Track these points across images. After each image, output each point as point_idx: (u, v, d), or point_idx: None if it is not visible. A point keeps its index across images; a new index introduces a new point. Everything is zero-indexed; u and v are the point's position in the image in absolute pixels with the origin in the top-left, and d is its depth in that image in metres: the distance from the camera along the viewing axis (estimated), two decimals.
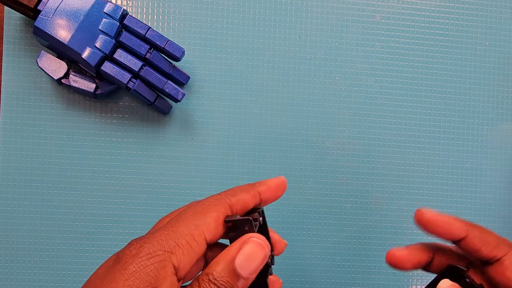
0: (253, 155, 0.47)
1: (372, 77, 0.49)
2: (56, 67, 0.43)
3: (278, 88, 0.48)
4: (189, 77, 0.46)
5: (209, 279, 0.23)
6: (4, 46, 0.45)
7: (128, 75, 0.42)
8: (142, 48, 0.42)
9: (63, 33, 0.41)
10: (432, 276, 0.30)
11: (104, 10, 0.41)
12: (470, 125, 0.50)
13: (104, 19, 0.41)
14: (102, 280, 0.21)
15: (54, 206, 0.45)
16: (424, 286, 0.30)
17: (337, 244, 0.48)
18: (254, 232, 0.25)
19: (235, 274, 0.23)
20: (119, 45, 0.42)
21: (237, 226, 0.25)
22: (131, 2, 0.47)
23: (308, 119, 0.48)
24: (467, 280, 0.26)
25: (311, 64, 0.49)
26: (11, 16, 0.45)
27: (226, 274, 0.23)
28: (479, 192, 0.50)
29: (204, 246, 0.24)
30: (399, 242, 0.49)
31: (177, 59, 0.44)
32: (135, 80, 0.43)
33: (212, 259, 0.24)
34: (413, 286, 0.49)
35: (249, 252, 0.23)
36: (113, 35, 0.41)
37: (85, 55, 0.40)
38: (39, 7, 0.41)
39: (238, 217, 0.25)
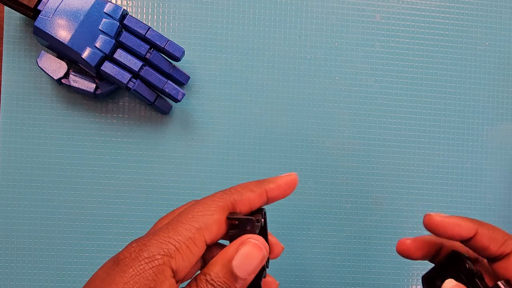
0: (253, 155, 0.47)
1: (372, 77, 0.49)
2: (56, 67, 0.43)
3: (278, 88, 0.48)
4: (189, 77, 0.46)
5: (206, 280, 0.23)
6: (4, 46, 0.45)
7: (128, 75, 0.42)
8: (142, 48, 0.42)
9: (63, 33, 0.41)
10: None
11: (104, 10, 0.41)
12: (470, 125, 0.50)
13: (104, 19, 0.41)
14: (102, 282, 0.22)
15: (54, 206, 0.45)
16: (425, 272, 0.31)
17: (337, 244, 0.48)
18: (255, 232, 0.24)
19: (232, 275, 0.23)
20: (119, 45, 0.42)
21: (239, 225, 0.24)
22: (131, 2, 0.47)
23: (308, 119, 0.48)
24: (467, 266, 0.27)
25: (311, 64, 0.49)
26: (11, 16, 0.45)
27: (223, 275, 0.23)
28: (479, 192, 0.50)
29: (203, 249, 0.24)
30: None
31: (177, 59, 0.44)
32: (135, 80, 0.43)
33: (211, 258, 0.24)
34: (413, 286, 0.49)
35: (246, 253, 0.23)
36: (113, 35, 0.41)
37: (85, 55, 0.40)
38: (39, 7, 0.41)
39: (241, 215, 0.25)
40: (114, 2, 0.46)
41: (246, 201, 0.26)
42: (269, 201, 0.27)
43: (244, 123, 0.48)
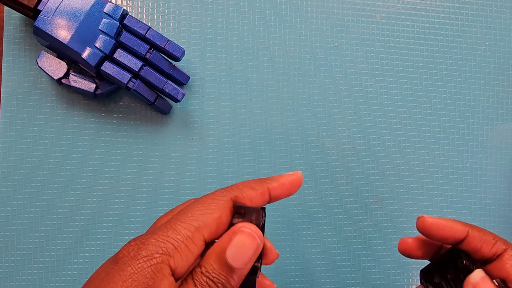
0: (253, 155, 0.47)
1: (372, 77, 0.49)
2: (56, 67, 0.43)
3: (278, 88, 0.48)
4: (189, 77, 0.46)
5: (201, 272, 0.22)
6: (4, 46, 0.45)
7: (128, 75, 0.42)
8: (142, 48, 0.42)
9: (63, 33, 0.41)
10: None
11: (104, 10, 0.41)
12: (470, 125, 0.50)
13: (104, 19, 0.41)
14: (101, 281, 0.22)
15: (54, 206, 0.45)
16: (424, 267, 0.31)
17: (337, 244, 0.48)
18: (259, 224, 0.24)
19: (227, 265, 0.23)
20: (119, 45, 0.42)
21: (244, 214, 0.24)
22: (131, 2, 0.47)
23: (308, 119, 0.48)
24: (464, 262, 0.27)
25: (311, 64, 0.49)
26: (11, 16, 0.45)
27: (218, 266, 0.23)
28: (479, 192, 0.50)
29: (202, 247, 0.24)
30: None
31: (177, 59, 0.44)
32: (135, 80, 0.43)
33: None
34: (413, 286, 0.49)
35: (239, 243, 0.23)
36: (113, 35, 0.41)
37: (85, 55, 0.40)
38: (39, 7, 0.41)
39: (248, 205, 0.24)
40: (114, 2, 0.46)
41: (247, 200, 0.25)
42: (271, 200, 0.27)
43: (244, 123, 0.48)
